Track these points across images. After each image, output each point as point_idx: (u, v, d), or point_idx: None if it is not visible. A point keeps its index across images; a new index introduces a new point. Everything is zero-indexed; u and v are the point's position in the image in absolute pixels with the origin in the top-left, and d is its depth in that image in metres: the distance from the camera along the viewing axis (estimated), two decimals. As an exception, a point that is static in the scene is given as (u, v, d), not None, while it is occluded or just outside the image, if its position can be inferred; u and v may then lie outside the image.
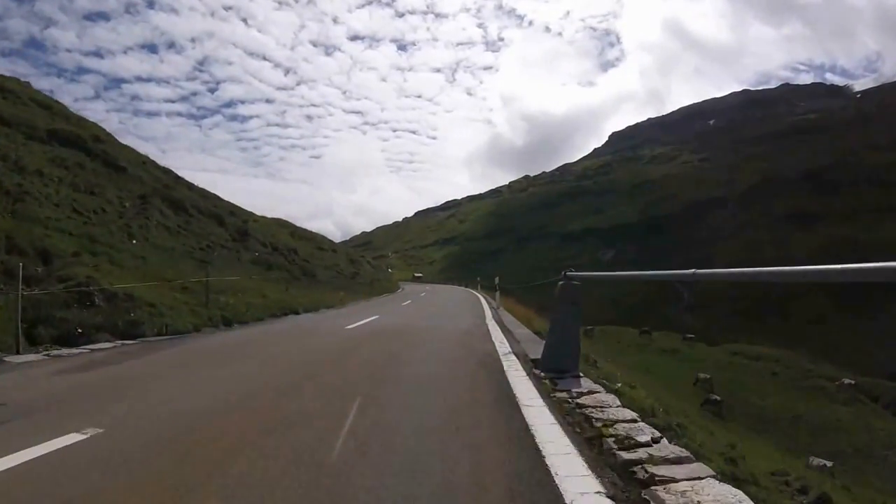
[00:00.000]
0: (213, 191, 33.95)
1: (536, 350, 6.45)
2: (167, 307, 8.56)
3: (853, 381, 25.28)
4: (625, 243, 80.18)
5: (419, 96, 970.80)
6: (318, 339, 8.42)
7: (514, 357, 6.49)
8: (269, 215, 47.65)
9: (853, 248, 53.58)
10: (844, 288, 49.88)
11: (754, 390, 23.10)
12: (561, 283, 5.65)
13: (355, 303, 20.06)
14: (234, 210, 28.63)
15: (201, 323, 8.74)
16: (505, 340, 8.16)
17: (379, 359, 6.55)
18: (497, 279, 18.35)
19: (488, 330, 9.66)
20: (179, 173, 28.24)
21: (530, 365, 5.75)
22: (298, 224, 43.83)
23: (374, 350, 7.28)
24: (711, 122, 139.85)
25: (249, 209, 38.32)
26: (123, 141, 27.60)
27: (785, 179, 75.82)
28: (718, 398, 19.79)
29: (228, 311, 9.65)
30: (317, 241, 41.47)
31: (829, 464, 12.43)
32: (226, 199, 39.27)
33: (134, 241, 14.68)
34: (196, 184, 39.04)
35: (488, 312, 14.00)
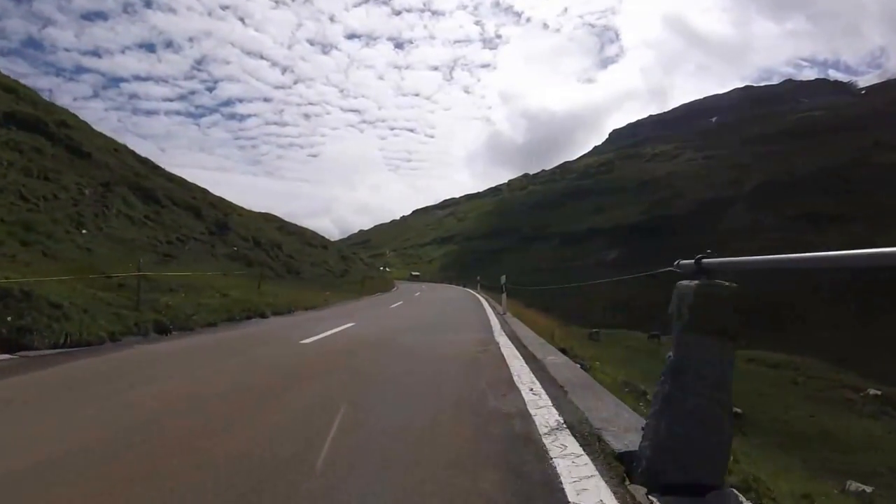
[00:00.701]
0: (214, 189, 32.72)
1: (605, 413, 3.52)
2: (80, 309, 6.66)
3: (879, 392, 23.82)
4: (630, 243, 77.52)
5: (417, 94, 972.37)
6: (244, 365, 5.45)
7: (571, 438, 3.02)
8: (272, 213, 46.17)
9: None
10: (858, 295, 48.63)
11: (776, 402, 21.69)
12: (686, 287, 2.42)
13: (340, 303, 17.78)
14: (215, 202, 26.72)
15: (124, 330, 6.80)
16: (536, 382, 4.65)
17: (298, 430, 3.17)
18: (503, 279, 15.34)
19: (502, 354, 6.31)
20: (179, 172, 27.23)
21: (614, 466, 2.57)
22: (296, 222, 42.51)
23: (309, 396, 4.09)
24: (714, 119, 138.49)
25: (244, 205, 36.92)
26: (122, 139, 26.40)
27: (795, 178, 74.18)
28: (740, 411, 18.16)
29: (167, 314, 7.73)
30: (306, 237, 39.63)
31: (868, 489, 11.13)
32: (214, 192, 37.56)
33: (84, 231, 12.79)
34: (194, 182, 37.23)
35: (495, 321, 11.14)
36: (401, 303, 19.90)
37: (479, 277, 35.68)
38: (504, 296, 14.81)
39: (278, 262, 25.12)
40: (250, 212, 37.25)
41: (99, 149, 20.29)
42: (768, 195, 74.33)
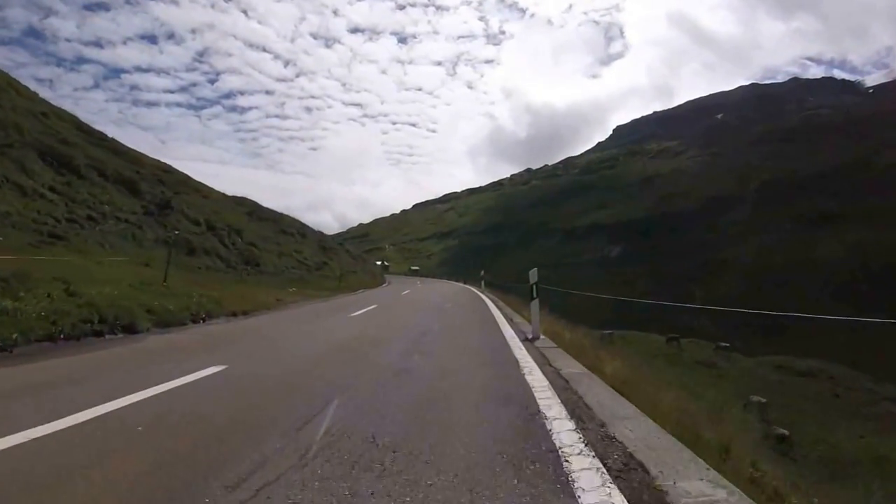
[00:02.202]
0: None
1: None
2: None
3: (921, 406, 21.15)
4: (633, 240, 76.46)
5: (419, 89, 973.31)
6: None
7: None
8: (272, 206, 42.18)
9: (883, 251, 50.21)
10: (858, 293, 46.08)
11: (819, 419, 18.52)
12: None
13: (298, 305, 13.66)
14: (166, 179, 23.32)
15: None
16: None
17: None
18: (533, 276, 6.95)
19: None
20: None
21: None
22: (296, 215, 39.13)
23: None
24: (719, 116, 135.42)
25: (220, 188, 33.59)
26: (122, 130, 23.49)
27: (802, 177, 72.37)
28: (786, 433, 15.00)
29: None
30: (281, 224, 35.65)
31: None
32: (182, 170, 34.19)
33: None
34: (158, 159, 32.75)
35: (533, 368, 5.10)
36: (373, 307, 13.33)
37: (483, 273, 29.79)
38: (535, 306, 7.42)
39: (233, 252, 21.70)
40: (221, 194, 34.01)
41: (14, 109, 16.89)
42: (773, 194, 72.80)
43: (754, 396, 16.29)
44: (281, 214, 39.29)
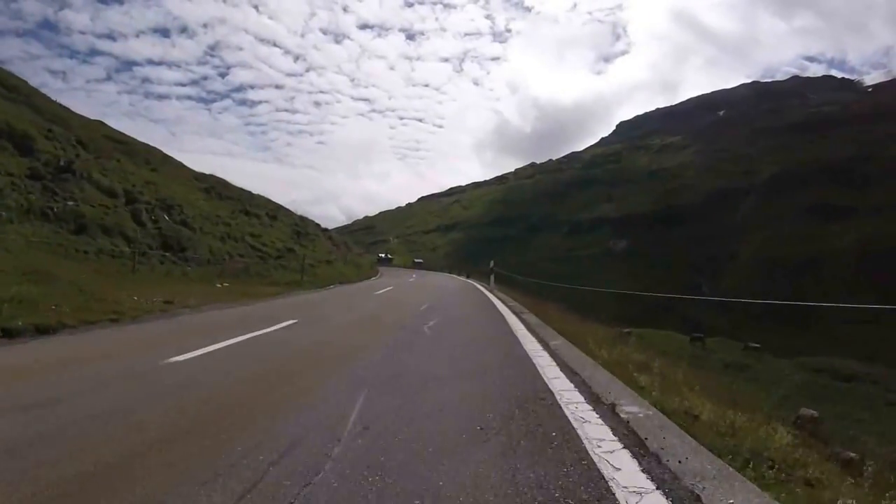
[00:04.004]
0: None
1: None
2: None
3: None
4: (638, 233, 76.83)
5: (427, 85, 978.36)
6: None
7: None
8: (275, 199, 39.82)
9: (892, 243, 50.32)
10: (867, 286, 46.58)
11: (879, 432, 15.33)
12: None
13: (194, 311, 9.93)
14: (84, 137, 20.01)
15: None
16: None
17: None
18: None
19: None
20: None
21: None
22: (304, 208, 36.19)
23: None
24: (721, 112, 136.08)
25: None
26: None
27: (806, 171, 73.07)
28: (853, 456, 10.86)
29: None
30: (246, 203, 31.33)
31: None
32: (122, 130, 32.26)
33: None
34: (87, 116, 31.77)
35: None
36: (293, 321, 8.90)
37: (492, 264, 24.28)
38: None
39: (151, 232, 18.46)
40: (189, 170, 30.89)
41: None
42: (780, 188, 73.58)
43: (805, 409, 13.69)
44: (251, 194, 34.88)
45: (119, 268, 14.96)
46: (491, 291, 18.45)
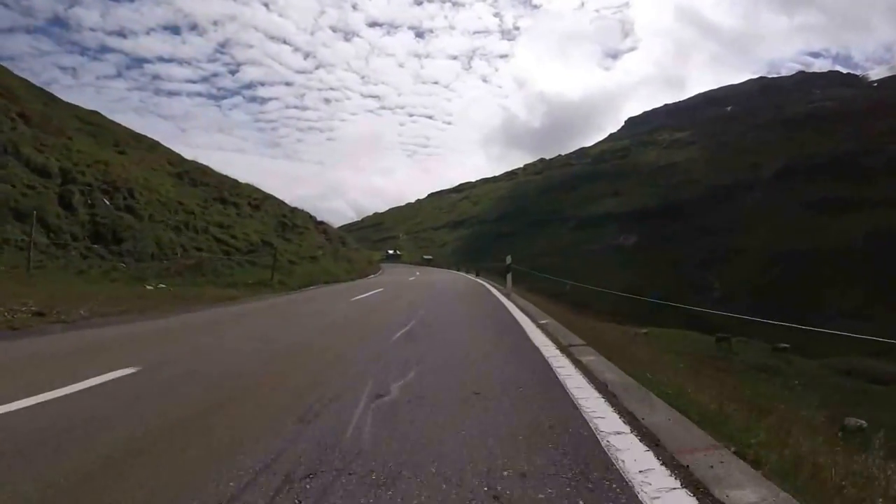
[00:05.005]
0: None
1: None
2: None
3: None
4: (646, 228, 77.55)
5: (435, 82, 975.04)
6: None
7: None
8: (287, 196, 37.11)
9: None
10: (864, 278, 48.42)
11: None
12: None
13: (67, 328, 6.91)
14: (32, 116, 19.33)
15: None
16: None
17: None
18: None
19: None
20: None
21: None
22: (313, 204, 34.28)
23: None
24: (728, 108, 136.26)
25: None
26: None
27: (813, 165, 73.98)
28: None
29: None
30: (224, 191, 27.66)
31: None
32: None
33: None
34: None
35: None
36: (130, 370, 4.35)
37: (509, 260, 17.39)
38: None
39: (77, 220, 16.28)
40: (175, 155, 29.17)
41: None
42: (784, 181, 74.28)
43: (850, 418, 12.05)
44: (236, 182, 31.13)
45: (23, 262, 12.76)
46: (507, 296, 15.03)
